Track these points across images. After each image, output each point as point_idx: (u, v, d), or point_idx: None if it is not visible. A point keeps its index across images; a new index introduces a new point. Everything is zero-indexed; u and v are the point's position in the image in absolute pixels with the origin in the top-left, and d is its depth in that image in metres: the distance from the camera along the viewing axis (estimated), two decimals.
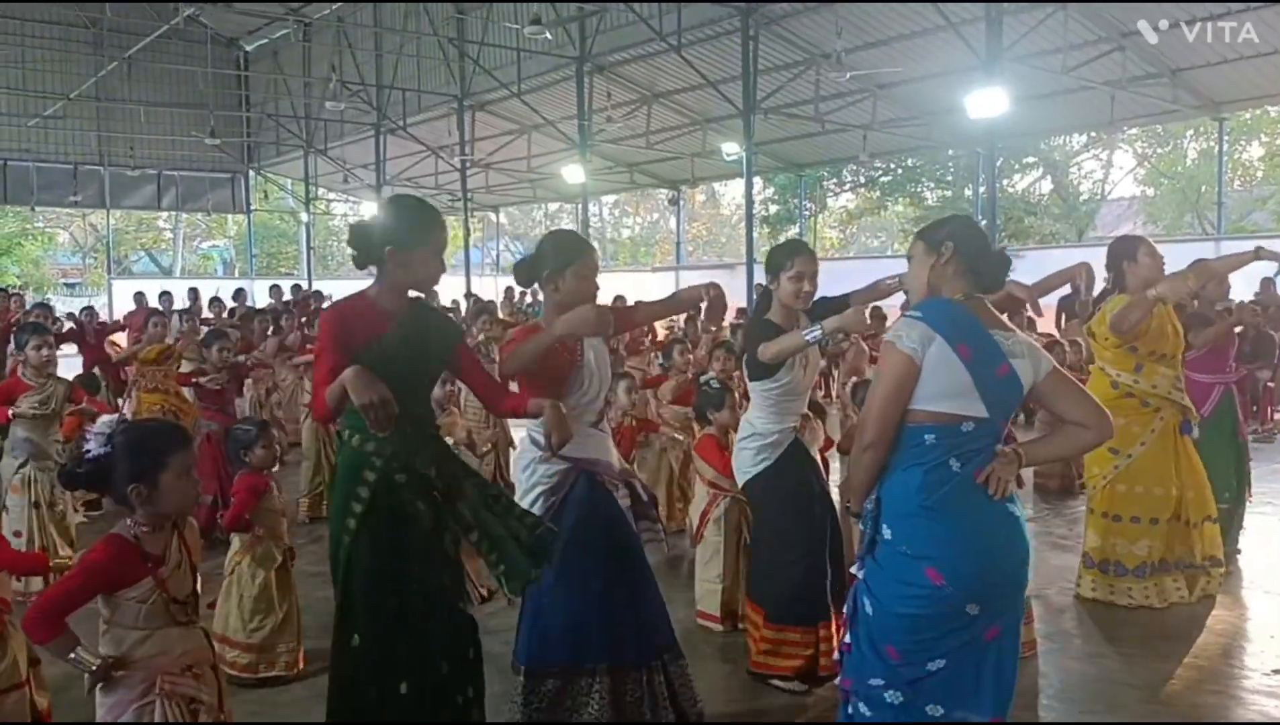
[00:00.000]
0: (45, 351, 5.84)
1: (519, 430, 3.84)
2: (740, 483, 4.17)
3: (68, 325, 11.48)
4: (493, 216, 32.07)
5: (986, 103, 12.38)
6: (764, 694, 4.02)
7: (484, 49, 19.07)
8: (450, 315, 12.31)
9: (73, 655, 2.52)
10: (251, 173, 29.27)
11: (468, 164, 21.93)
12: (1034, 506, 7.29)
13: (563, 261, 3.41)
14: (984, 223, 17.34)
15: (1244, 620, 4.94)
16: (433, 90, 21.30)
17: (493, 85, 19.70)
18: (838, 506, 4.17)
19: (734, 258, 32.65)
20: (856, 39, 15.43)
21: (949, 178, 29.57)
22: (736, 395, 5.10)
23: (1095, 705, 3.99)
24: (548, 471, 3.40)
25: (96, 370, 10.14)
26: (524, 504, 3.40)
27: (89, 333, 10.96)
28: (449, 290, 17.53)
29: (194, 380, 7.07)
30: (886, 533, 2.65)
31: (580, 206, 22.36)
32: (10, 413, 5.50)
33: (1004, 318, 2.77)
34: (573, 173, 19.49)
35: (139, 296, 14.76)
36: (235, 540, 4.30)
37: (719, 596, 4.78)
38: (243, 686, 4.10)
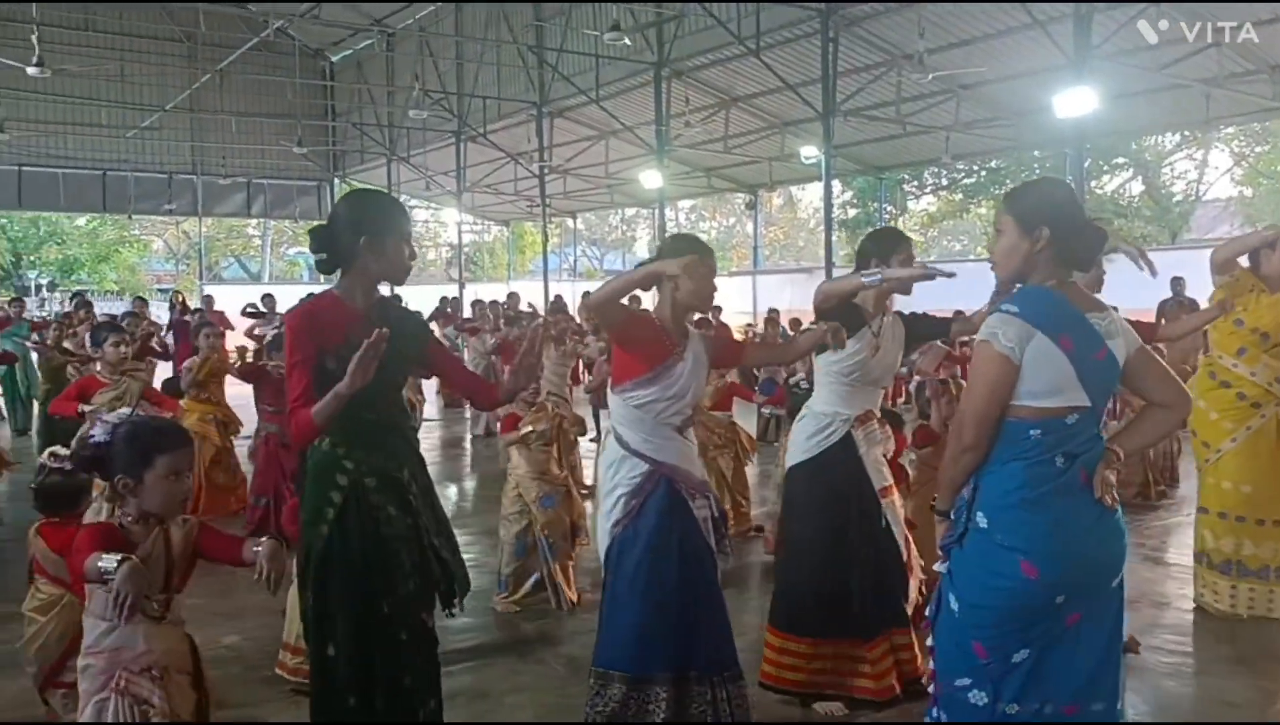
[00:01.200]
0: (123, 348, 6.07)
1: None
2: (787, 466, 4.00)
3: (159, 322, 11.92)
4: (570, 222, 32.31)
5: (1075, 102, 12.08)
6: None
7: (563, 55, 19.22)
8: (529, 317, 12.50)
9: (101, 565, 2.45)
10: (336, 180, 29.97)
11: (546, 170, 22.12)
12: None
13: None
14: None
15: None
16: (512, 97, 21.54)
17: (571, 91, 19.84)
18: (893, 520, 3.87)
19: (811, 262, 32.42)
20: (939, 39, 15.18)
21: (1035, 179, 28.92)
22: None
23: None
24: (630, 473, 3.38)
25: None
26: (606, 505, 3.42)
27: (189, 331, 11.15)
28: (527, 294, 17.67)
29: (256, 365, 7.16)
30: (982, 521, 2.58)
31: (657, 211, 22.39)
32: (81, 408, 5.55)
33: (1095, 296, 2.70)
34: (650, 178, 19.52)
35: (208, 300, 15.12)
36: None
37: None
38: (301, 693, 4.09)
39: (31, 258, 36.72)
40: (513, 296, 16.23)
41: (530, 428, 5.27)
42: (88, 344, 7.52)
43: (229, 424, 7.62)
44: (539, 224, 23.07)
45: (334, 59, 27.54)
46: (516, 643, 4.80)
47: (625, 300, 3.59)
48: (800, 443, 3.88)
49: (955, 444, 2.64)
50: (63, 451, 3.46)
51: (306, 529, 2.89)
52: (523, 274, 35.53)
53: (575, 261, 35.83)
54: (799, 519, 3.91)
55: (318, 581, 2.86)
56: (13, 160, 24.52)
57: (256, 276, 39.51)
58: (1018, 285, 2.67)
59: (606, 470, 3.46)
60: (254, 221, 35.91)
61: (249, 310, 13.06)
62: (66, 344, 9.28)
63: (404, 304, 3.47)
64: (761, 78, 17.79)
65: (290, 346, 2.79)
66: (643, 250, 44.54)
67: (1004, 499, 2.55)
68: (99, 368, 6.10)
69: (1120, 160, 28.27)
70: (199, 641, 2.90)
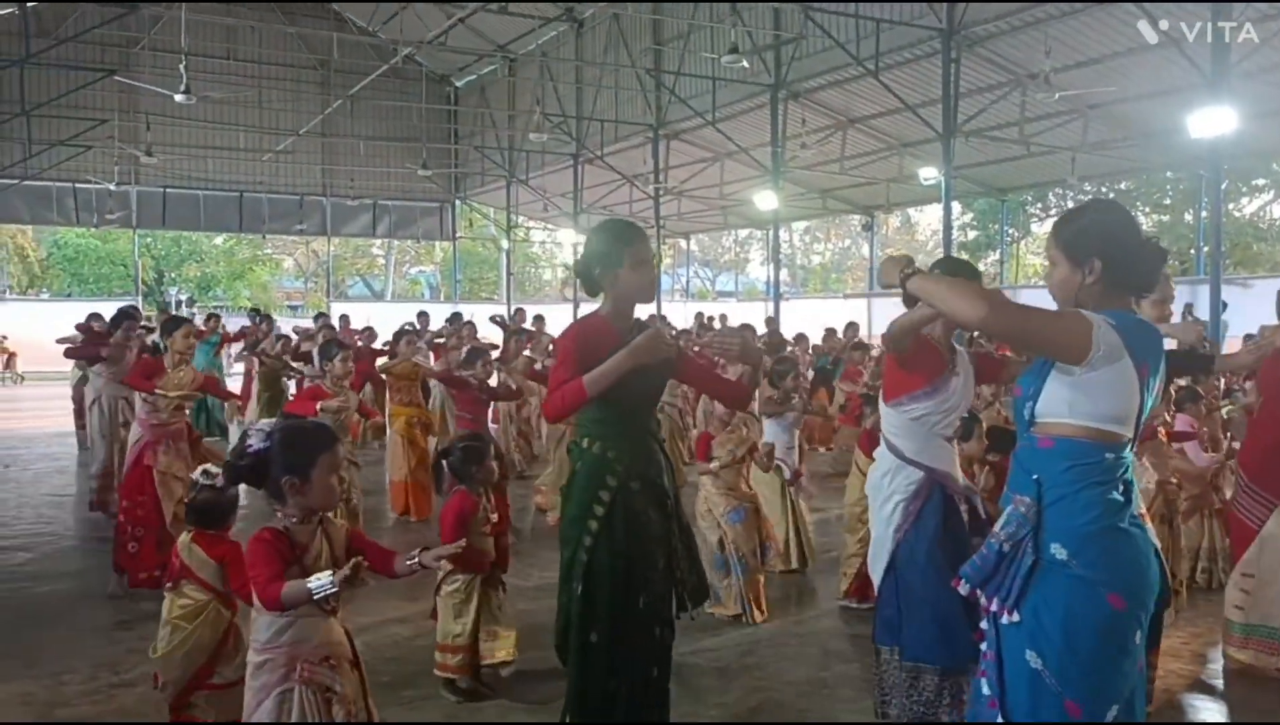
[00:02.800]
0: (351, 364, 6.70)
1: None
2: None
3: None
4: (683, 243, 32.46)
5: (1211, 122, 11.61)
6: None
7: (680, 79, 19.39)
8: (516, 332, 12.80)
9: (311, 588, 2.67)
10: (457, 202, 30.81)
11: (661, 191, 22.30)
12: None
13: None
14: (1206, 250, 16.24)
15: None
16: (629, 120, 21.82)
17: (687, 114, 19.99)
18: None
19: None
20: (1066, 58, 14.79)
21: (1166, 201, 27.87)
22: (984, 425, 5.22)
23: None
24: (906, 481, 3.60)
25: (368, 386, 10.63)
26: (883, 512, 3.65)
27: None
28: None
29: (455, 374, 7.73)
30: (1059, 553, 2.36)
31: (771, 232, 22.32)
32: (319, 408, 6.15)
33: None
34: (765, 199, 19.50)
35: (344, 318, 15.69)
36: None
37: None
38: (453, 691, 4.29)
39: (173, 275, 38.71)
40: (519, 312, 16.44)
41: (717, 462, 5.51)
42: (316, 359, 8.21)
43: (430, 427, 8.06)
44: (652, 245, 23.24)
45: (458, 84, 28.39)
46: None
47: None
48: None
49: (983, 298, 2.37)
50: (214, 469, 3.65)
51: (573, 525, 3.20)
52: None
53: (688, 282, 35.96)
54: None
55: (585, 575, 3.15)
56: (159, 182, 25.98)
57: (380, 295, 40.84)
58: None
59: (881, 479, 3.68)
60: (379, 241, 37.12)
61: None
62: (287, 358, 10.56)
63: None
64: (880, 98, 17.61)
65: (561, 358, 3.17)
66: (756, 271, 44.34)
67: (1086, 527, 2.37)
68: (326, 380, 6.64)
69: (1260, 181, 27.00)
70: None
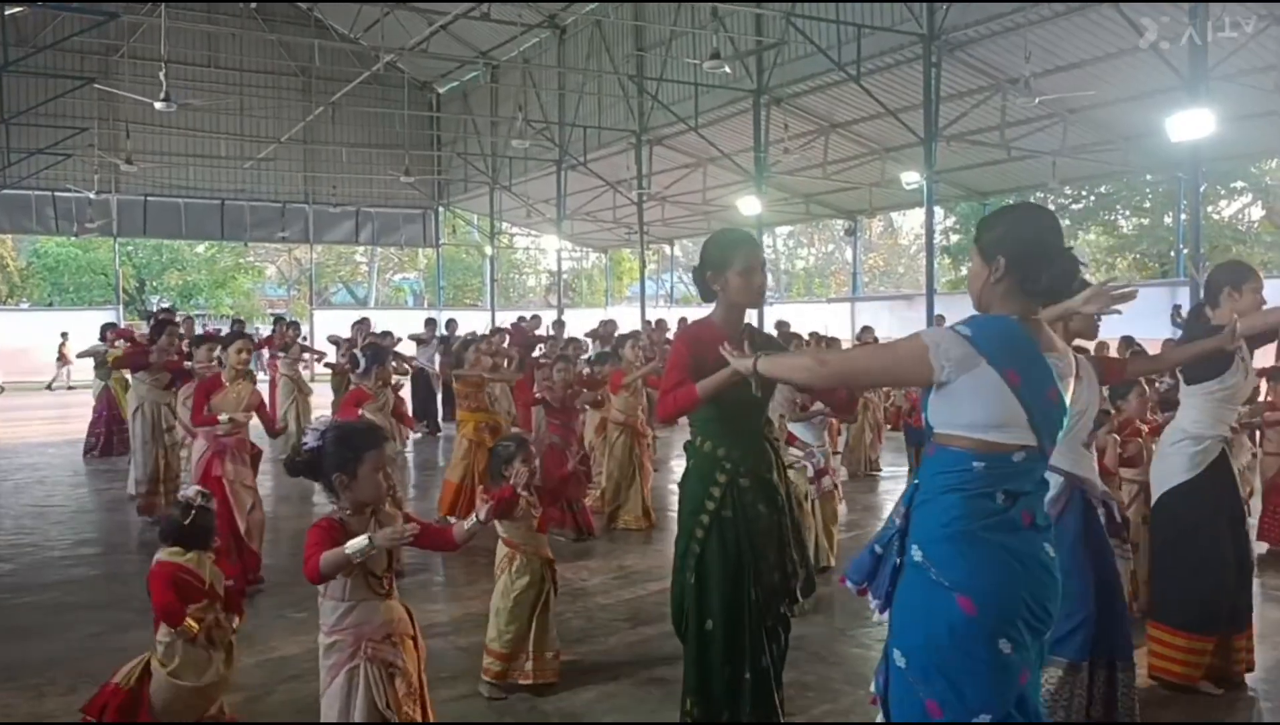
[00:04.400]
0: (393, 364, 7.38)
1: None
2: (1162, 488, 4.30)
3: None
4: (667, 248, 32.49)
5: (1189, 125, 11.68)
6: (1170, 702, 4.23)
7: (662, 84, 19.42)
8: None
9: (348, 552, 2.95)
10: (441, 209, 30.75)
11: (644, 197, 22.32)
12: None
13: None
14: (1185, 252, 16.35)
15: None
16: (612, 126, 21.83)
17: (670, 120, 20.01)
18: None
19: (912, 288, 31.90)
20: (1046, 63, 14.89)
21: (1146, 205, 28.04)
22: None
23: None
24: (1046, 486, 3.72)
25: None
26: None
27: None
28: (626, 320, 17.82)
29: (542, 397, 8.17)
30: (916, 553, 2.43)
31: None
32: (360, 412, 6.51)
33: (1058, 337, 2.63)
34: (748, 204, 19.53)
35: (364, 321, 15.65)
36: (499, 547, 4.50)
37: None
38: (494, 699, 4.33)
39: (154, 283, 38.45)
40: (452, 322, 16.65)
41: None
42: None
43: (498, 431, 8.17)
44: (637, 251, 23.26)
45: (441, 91, 28.36)
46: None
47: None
48: (1181, 465, 4.22)
49: (814, 362, 2.68)
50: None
51: (687, 519, 3.42)
52: (620, 300, 35.82)
53: (672, 287, 36.00)
54: (1190, 527, 4.21)
55: (698, 565, 3.36)
56: (140, 191, 25.82)
57: (363, 301, 40.69)
58: None
59: None
60: (362, 248, 37.01)
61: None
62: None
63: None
64: (862, 103, 17.68)
65: (673, 362, 3.39)
66: None
67: (941, 531, 2.40)
68: (369, 383, 7.07)
69: (1238, 184, 27.21)
70: None
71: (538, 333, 15.36)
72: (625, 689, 4.49)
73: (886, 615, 2.53)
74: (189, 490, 3.81)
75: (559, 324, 15.38)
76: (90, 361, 12.62)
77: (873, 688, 2.61)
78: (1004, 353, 2.37)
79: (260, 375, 11.55)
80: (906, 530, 2.48)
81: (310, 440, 3.14)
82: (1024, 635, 2.36)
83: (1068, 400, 2.47)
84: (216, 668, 3.58)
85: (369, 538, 2.96)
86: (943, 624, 2.35)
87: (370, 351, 7.48)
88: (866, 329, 15.00)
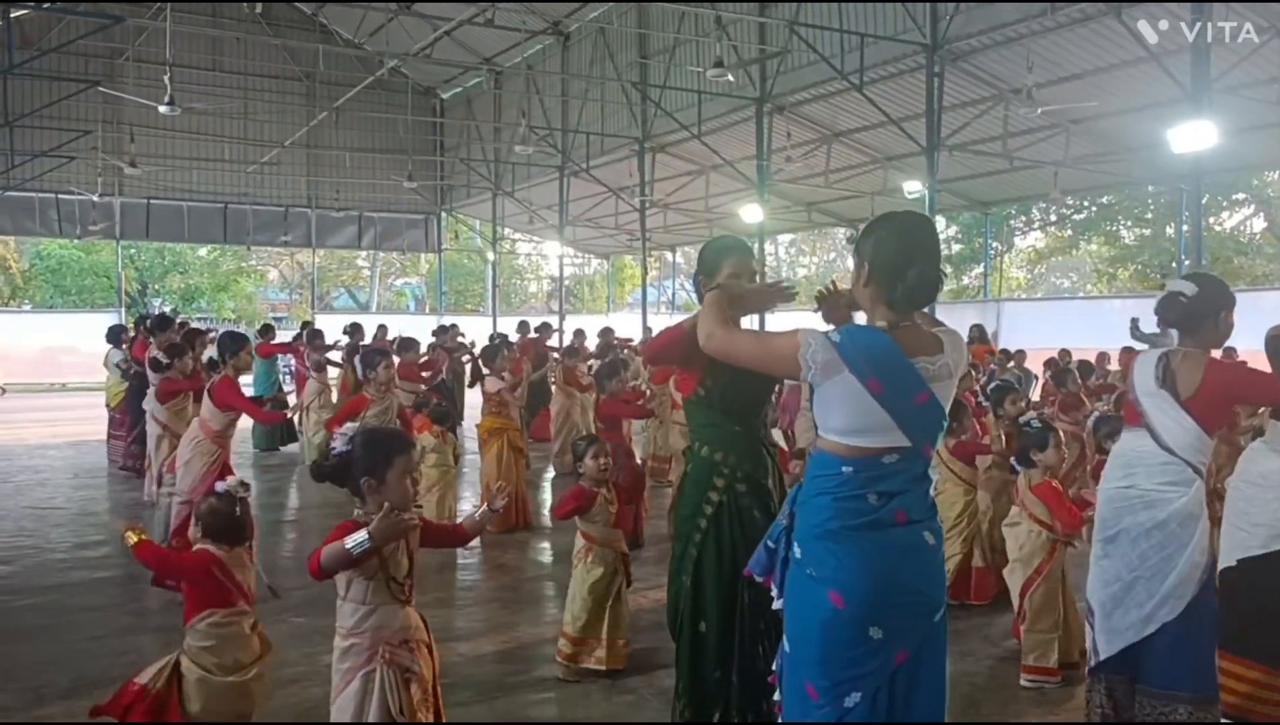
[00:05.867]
0: (391, 371, 6.99)
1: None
2: (1268, 539, 3.90)
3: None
4: (669, 255, 32.50)
5: (1192, 137, 11.69)
6: None
7: (665, 92, 19.45)
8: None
9: (349, 546, 2.93)
10: (443, 214, 30.79)
11: (646, 204, 22.34)
12: None
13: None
14: (1187, 263, 16.35)
15: None
16: (615, 133, 21.86)
17: (673, 127, 20.03)
18: None
19: None
20: (1049, 74, 14.90)
21: (1148, 216, 28.07)
22: (1061, 434, 5.23)
23: None
24: None
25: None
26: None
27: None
28: (625, 327, 17.83)
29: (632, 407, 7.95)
30: (796, 551, 2.61)
31: (757, 245, 22.36)
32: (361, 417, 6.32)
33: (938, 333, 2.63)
34: (751, 212, 19.55)
35: (382, 328, 15.56)
36: (577, 539, 4.74)
37: (1055, 647, 4.66)
38: (562, 681, 4.55)
39: (156, 286, 38.47)
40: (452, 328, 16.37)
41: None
42: (359, 367, 8.25)
43: (515, 434, 8.33)
44: (639, 257, 23.27)
45: (444, 96, 28.40)
46: None
47: None
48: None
49: (711, 326, 2.73)
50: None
51: (684, 523, 3.49)
52: (621, 306, 35.84)
53: (674, 294, 36.02)
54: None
55: (694, 568, 3.43)
56: (143, 194, 25.85)
57: (365, 306, 40.72)
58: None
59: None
60: (364, 253, 37.03)
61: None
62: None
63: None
64: (864, 112, 17.71)
65: (665, 338, 3.43)
66: None
67: (814, 530, 2.56)
68: (369, 388, 6.88)
69: (1240, 196, 27.24)
70: None
71: (550, 345, 15.17)
72: (619, 692, 4.51)
73: (780, 604, 2.73)
74: (229, 482, 3.79)
75: (579, 333, 15.14)
76: (98, 362, 12.13)
77: (774, 666, 2.81)
78: (868, 363, 2.47)
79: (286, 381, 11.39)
80: (792, 527, 2.65)
81: (339, 445, 3.13)
82: (898, 619, 2.51)
83: (943, 401, 2.56)
84: (255, 663, 3.54)
85: (368, 532, 2.95)
86: (816, 615, 2.53)
87: (362, 356, 7.34)
88: (976, 326, 14.93)
